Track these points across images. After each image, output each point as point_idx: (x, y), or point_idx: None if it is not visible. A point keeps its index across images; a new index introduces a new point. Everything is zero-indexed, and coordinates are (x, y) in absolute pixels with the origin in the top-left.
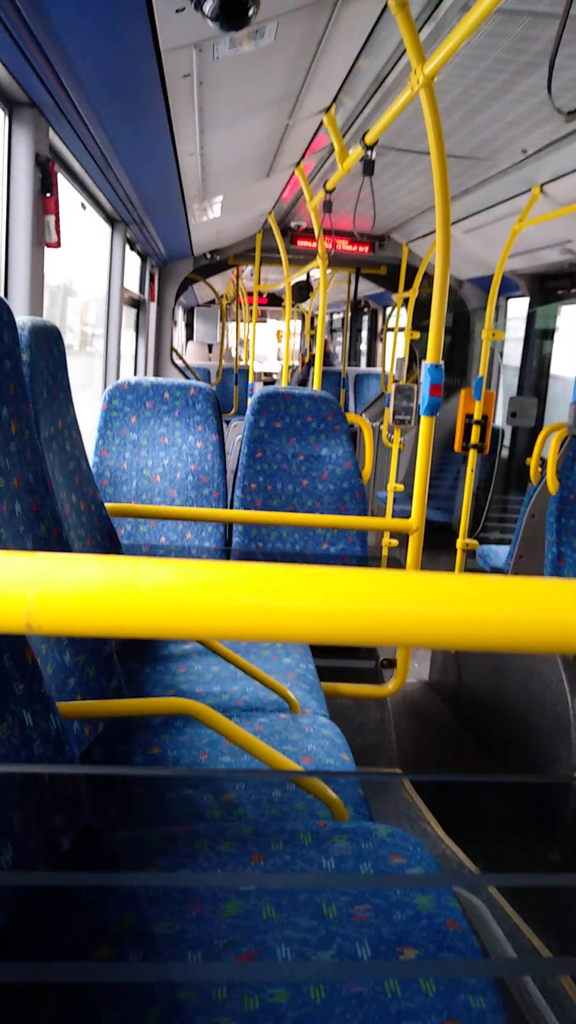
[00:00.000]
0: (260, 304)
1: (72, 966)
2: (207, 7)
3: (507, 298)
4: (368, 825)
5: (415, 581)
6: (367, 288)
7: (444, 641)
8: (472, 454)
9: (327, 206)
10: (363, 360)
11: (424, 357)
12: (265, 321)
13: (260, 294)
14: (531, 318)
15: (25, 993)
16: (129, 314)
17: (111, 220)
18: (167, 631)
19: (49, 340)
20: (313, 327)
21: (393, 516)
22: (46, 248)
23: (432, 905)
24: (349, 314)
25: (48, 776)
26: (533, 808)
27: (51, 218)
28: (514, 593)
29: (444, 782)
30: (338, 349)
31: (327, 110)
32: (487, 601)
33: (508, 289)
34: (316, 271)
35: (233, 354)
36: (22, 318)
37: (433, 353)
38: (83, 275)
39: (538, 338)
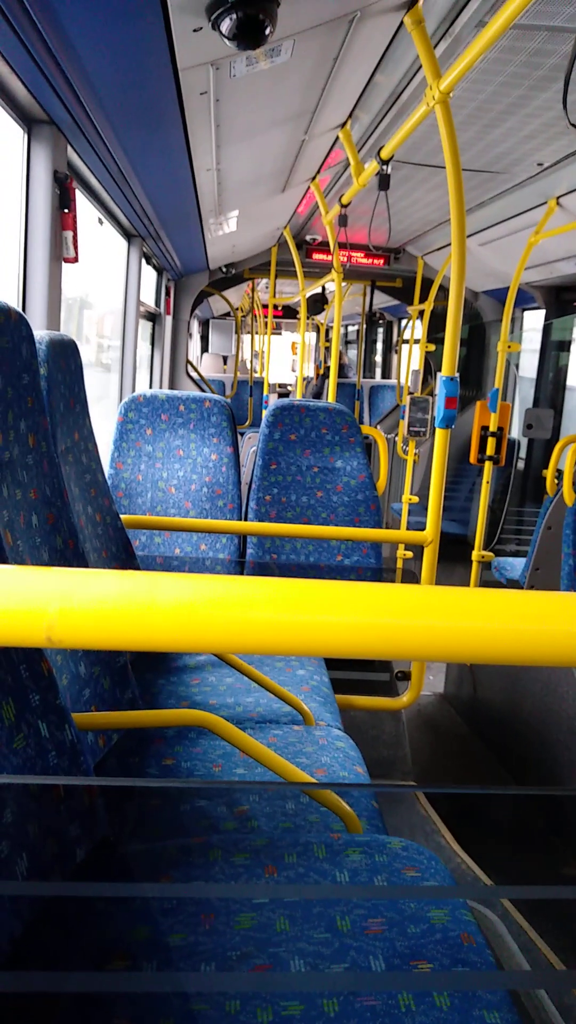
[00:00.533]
0: (275, 316)
1: (86, 976)
2: (224, 26)
3: (523, 310)
4: (382, 838)
5: (430, 595)
6: (382, 300)
7: (459, 655)
8: (488, 466)
9: (342, 220)
10: (378, 372)
11: (439, 369)
12: (280, 333)
13: (275, 307)
14: (547, 330)
15: (39, 1003)
16: (145, 327)
17: (128, 235)
18: (185, 645)
19: (66, 354)
20: (328, 339)
21: (408, 528)
22: (64, 263)
23: (447, 919)
24: (364, 326)
25: (63, 787)
26: (549, 822)
27: (69, 234)
28: (529, 607)
29: (459, 796)
30: (352, 354)
31: (343, 125)
32: (502, 615)
33: (524, 301)
34: (331, 284)
35: (248, 366)
36: (40, 332)
37: (448, 365)
38: (100, 288)
39: (554, 350)
